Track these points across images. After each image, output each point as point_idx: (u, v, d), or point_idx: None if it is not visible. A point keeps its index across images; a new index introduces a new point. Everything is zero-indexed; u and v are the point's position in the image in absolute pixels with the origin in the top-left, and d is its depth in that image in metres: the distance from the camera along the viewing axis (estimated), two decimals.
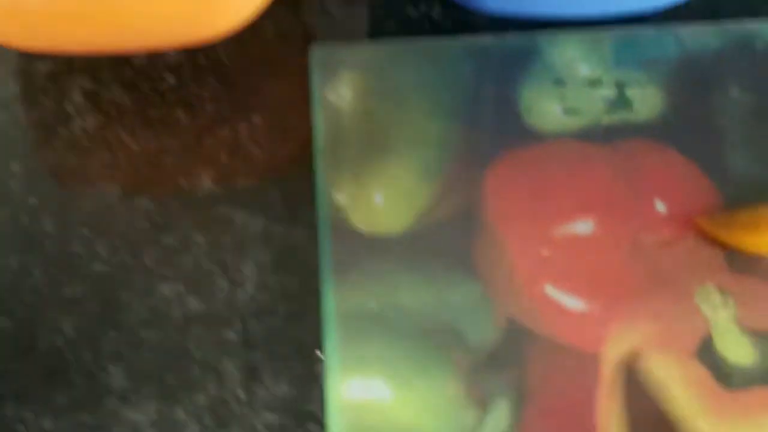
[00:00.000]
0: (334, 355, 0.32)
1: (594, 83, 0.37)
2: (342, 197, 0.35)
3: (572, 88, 0.37)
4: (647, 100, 0.37)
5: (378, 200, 0.35)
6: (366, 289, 0.34)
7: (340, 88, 0.37)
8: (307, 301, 0.34)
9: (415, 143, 0.36)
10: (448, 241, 0.35)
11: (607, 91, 0.37)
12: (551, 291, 0.34)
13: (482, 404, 0.32)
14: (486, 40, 0.38)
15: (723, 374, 0.32)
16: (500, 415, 0.32)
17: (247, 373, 0.33)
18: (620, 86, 0.37)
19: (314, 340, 0.34)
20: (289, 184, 0.36)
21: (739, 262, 0.34)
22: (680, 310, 0.33)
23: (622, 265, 0.34)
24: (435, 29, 0.40)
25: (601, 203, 0.35)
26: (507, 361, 0.33)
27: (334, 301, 0.33)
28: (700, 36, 0.38)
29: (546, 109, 0.37)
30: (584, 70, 0.38)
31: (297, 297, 0.34)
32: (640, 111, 0.37)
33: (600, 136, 0.36)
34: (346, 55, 0.38)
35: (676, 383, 0.32)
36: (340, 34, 0.40)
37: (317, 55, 0.38)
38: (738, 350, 0.32)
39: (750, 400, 0.32)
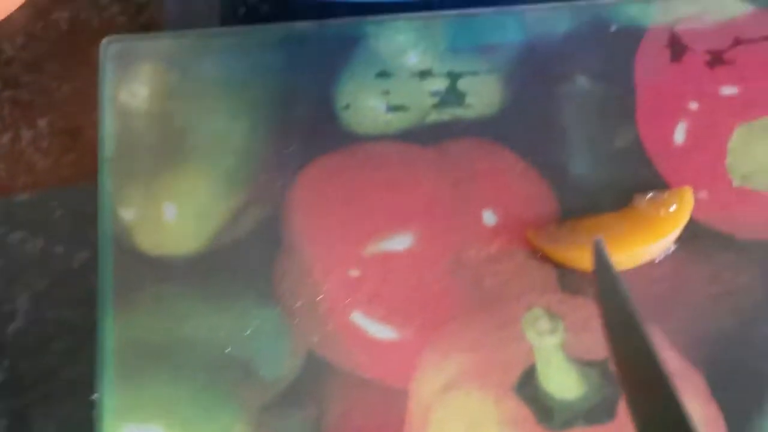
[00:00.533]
0: (109, 396, 0.29)
1: (423, 74, 0.33)
2: (129, 213, 0.31)
3: (398, 81, 0.33)
4: (483, 93, 0.33)
5: (170, 215, 0.32)
6: (150, 319, 0.30)
7: (134, 86, 0.33)
8: (87, 335, 0.31)
9: (217, 149, 0.32)
10: (247, 261, 0.31)
11: (438, 84, 0.33)
12: (358, 318, 0.30)
13: None
14: (303, 27, 0.34)
15: (544, 411, 0.28)
16: None
17: (13, 419, 0.29)
18: (453, 77, 0.33)
19: (91, 379, 0.30)
20: (74, 198, 0.33)
21: (572, 281, 0.30)
22: (503, 338, 0.30)
23: (440, 286, 0.30)
24: (252, 16, 0.36)
25: (422, 215, 0.31)
26: (303, 399, 0.29)
27: (112, 335, 0.30)
28: (547, 17, 0.34)
29: (367, 105, 0.33)
30: (412, 59, 0.34)
31: (75, 330, 0.31)
32: (475, 106, 0.33)
33: (426, 136, 0.32)
34: (143, 48, 0.34)
35: (492, 422, 0.28)
36: (142, 24, 0.36)
37: (110, 48, 0.33)
38: (563, 382, 0.29)
39: None
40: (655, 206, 0.31)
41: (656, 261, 0.31)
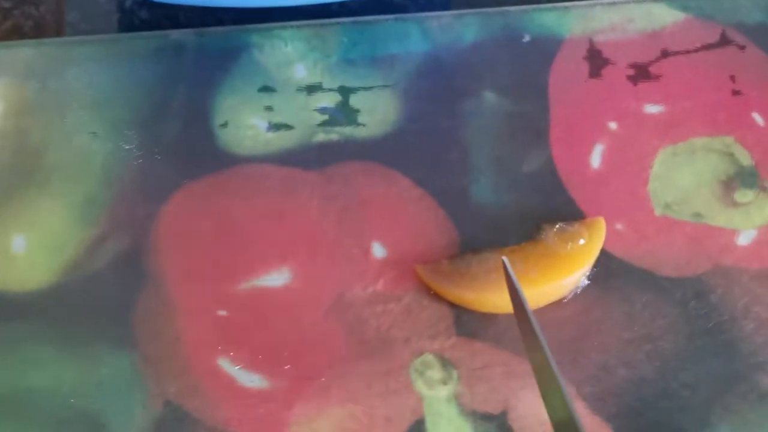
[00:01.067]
0: None
1: (311, 89, 0.30)
2: None
3: (283, 96, 0.30)
4: (377, 111, 0.30)
5: (18, 246, 0.28)
6: None
7: None
8: None
9: (76, 172, 0.29)
10: (103, 299, 0.28)
11: (327, 100, 0.30)
12: (225, 364, 0.27)
13: None
14: (179, 35, 0.31)
15: None
16: None
17: None
18: (345, 92, 0.30)
19: None
20: None
21: (470, 322, 0.27)
22: (388, 388, 0.27)
23: (319, 329, 0.27)
24: (128, 24, 0.33)
25: (303, 248, 0.28)
26: None
27: None
28: (452, 26, 0.31)
29: (247, 123, 0.30)
30: (300, 72, 0.31)
31: None
32: (367, 125, 0.30)
33: (311, 158, 0.29)
34: (1, 59, 0.31)
35: None
36: (5, 31, 0.32)
37: None
38: None
39: None
40: (562, 239, 0.28)
41: (564, 300, 0.28)
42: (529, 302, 0.27)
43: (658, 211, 0.29)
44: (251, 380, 0.27)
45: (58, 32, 0.32)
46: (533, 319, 0.24)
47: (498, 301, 0.27)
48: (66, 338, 0.27)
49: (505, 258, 0.26)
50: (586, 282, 0.28)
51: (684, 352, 0.27)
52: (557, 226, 0.28)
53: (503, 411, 0.26)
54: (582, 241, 0.28)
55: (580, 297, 0.28)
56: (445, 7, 0.33)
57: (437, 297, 0.28)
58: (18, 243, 0.28)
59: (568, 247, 0.28)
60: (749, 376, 0.27)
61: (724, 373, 0.27)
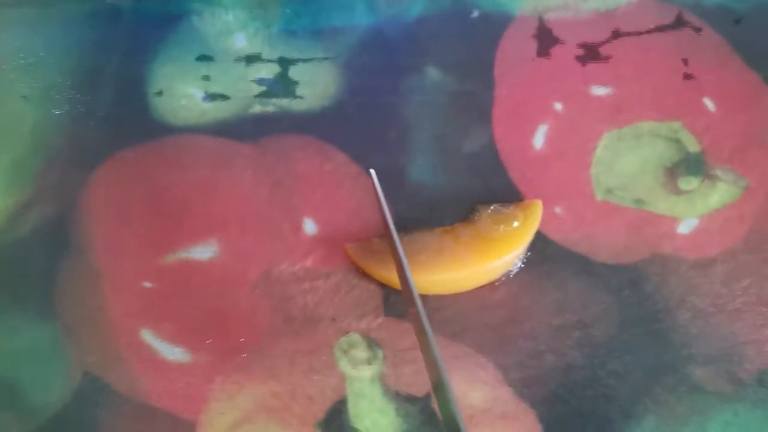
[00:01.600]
0: None
1: (250, 59, 0.30)
2: None
3: (221, 66, 0.30)
4: (317, 84, 0.30)
5: None
6: None
7: None
8: None
9: (3, 137, 0.29)
10: (25, 267, 0.28)
11: (266, 71, 0.30)
12: (147, 336, 0.27)
13: None
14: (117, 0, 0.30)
15: None
16: None
17: None
18: (284, 64, 0.30)
19: None
20: None
21: (400, 303, 0.27)
22: (311, 366, 0.26)
23: (244, 304, 0.27)
24: None
25: (233, 221, 0.28)
26: (75, 428, 0.26)
27: None
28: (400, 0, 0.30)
29: (183, 92, 0.29)
30: (240, 42, 0.30)
31: None
32: (306, 97, 0.29)
33: (246, 130, 0.29)
34: None
35: None
36: None
37: None
38: (378, 420, 0.26)
39: None
40: (496, 221, 0.27)
41: (496, 283, 0.27)
42: (459, 284, 0.27)
43: (599, 196, 0.29)
44: (173, 353, 0.27)
45: None
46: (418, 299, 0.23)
47: (425, 283, 0.27)
48: None
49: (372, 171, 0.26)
50: (520, 265, 0.28)
51: (615, 340, 0.27)
52: (492, 207, 0.28)
53: (427, 393, 0.26)
54: (516, 224, 0.27)
55: (512, 281, 0.27)
56: None
57: (366, 276, 0.27)
58: None
59: (501, 229, 0.27)
60: (680, 368, 0.26)
61: (655, 364, 0.26)
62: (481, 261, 0.27)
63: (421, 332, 0.23)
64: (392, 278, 0.27)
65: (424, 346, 0.23)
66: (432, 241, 0.27)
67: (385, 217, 0.25)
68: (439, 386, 0.22)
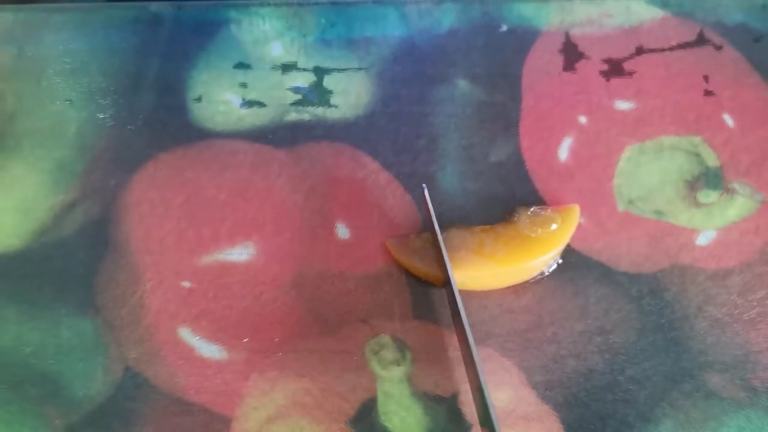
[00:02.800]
0: None
1: (286, 68, 0.31)
2: None
3: (258, 74, 0.31)
4: (350, 93, 0.31)
5: None
6: None
7: None
8: None
9: (49, 138, 0.30)
10: (69, 264, 0.29)
11: (302, 79, 0.31)
12: (186, 334, 0.28)
13: None
14: (158, 7, 0.32)
15: None
16: None
17: None
18: (319, 73, 0.31)
19: None
20: None
21: (427, 306, 0.28)
22: (343, 365, 0.28)
23: (279, 305, 0.28)
24: None
25: (268, 224, 0.29)
26: (116, 421, 0.27)
27: None
28: (431, 11, 0.32)
29: (220, 99, 0.31)
30: (276, 50, 0.31)
31: None
32: (340, 106, 0.31)
33: (282, 136, 0.30)
34: None
35: None
36: None
37: None
38: (405, 418, 0.27)
39: None
40: (534, 222, 0.29)
41: (520, 291, 0.29)
42: (496, 281, 0.28)
43: (621, 207, 0.30)
44: (210, 351, 0.28)
45: None
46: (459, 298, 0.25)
47: (464, 278, 0.28)
48: (29, 301, 0.29)
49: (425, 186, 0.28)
50: (555, 266, 0.29)
51: (634, 347, 0.28)
52: (531, 209, 0.29)
53: (453, 394, 0.28)
54: (554, 227, 0.29)
55: (536, 287, 0.29)
56: None
57: (397, 279, 0.29)
58: None
59: (539, 231, 0.28)
60: (697, 375, 0.28)
61: (672, 370, 0.28)
62: (519, 259, 0.28)
63: (458, 325, 0.25)
64: (428, 273, 0.29)
65: (462, 341, 0.25)
66: (471, 238, 0.29)
67: (434, 227, 0.26)
68: (473, 374, 0.24)
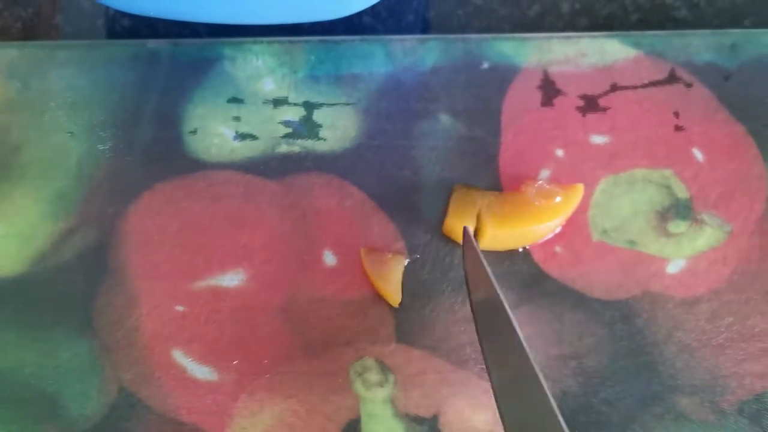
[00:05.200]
0: None
1: (277, 102, 0.33)
2: None
3: (250, 108, 0.33)
4: (338, 126, 0.33)
5: None
6: None
7: None
8: None
9: (51, 168, 0.32)
10: (68, 288, 0.31)
11: (292, 113, 0.33)
12: (179, 356, 0.30)
13: None
14: (155, 44, 0.34)
15: None
16: None
17: None
18: (309, 107, 0.33)
19: None
20: None
21: (409, 331, 0.30)
22: (328, 387, 0.29)
23: (268, 328, 0.30)
24: (111, 30, 0.36)
25: (259, 251, 0.31)
26: None
27: None
28: (415, 49, 0.34)
29: (215, 131, 0.33)
30: (268, 85, 0.34)
31: None
32: (328, 139, 0.33)
33: (273, 168, 0.32)
34: None
35: None
36: None
37: None
38: None
39: None
40: (540, 194, 0.31)
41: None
42: (498, 244, 0.31)
43: (595, 237, 0.32)
44: (202, 372, 0.30)
45: (45, 34, 0.35)
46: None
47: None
48: (29, 324, 0.30)
49: (467, 227, 0.29)
50: (554, 233, 0.32)
51: (607, 370, 0.30)
52: (538, 182, 0.31)
53: (434, 415, 0.29)
54: (558, 199, 0.31)
55: (513, 312, 0.31)
56: (416, 28, 0.36)
57: (381, 305, 0.31)
58: None
59: (544, 201, 0.31)
60: (667, 398, 0.30)
61: (644, 393, 0.30)
62: (521, 223, 0.31)
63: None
64: (385, 291, 0.31)
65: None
66: (481, 199, 0.31)
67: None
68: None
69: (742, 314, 0.31)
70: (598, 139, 0.33)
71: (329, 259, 0.31)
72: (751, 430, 0.29)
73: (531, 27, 0.37)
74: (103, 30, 0.35)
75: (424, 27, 0.36)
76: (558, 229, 0.32)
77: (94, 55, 0.34)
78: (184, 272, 0.31)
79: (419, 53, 0.34)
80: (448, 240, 0.32)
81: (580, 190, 0.31)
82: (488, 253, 0.31)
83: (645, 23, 0.37)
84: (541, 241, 0.31)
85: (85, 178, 0.32)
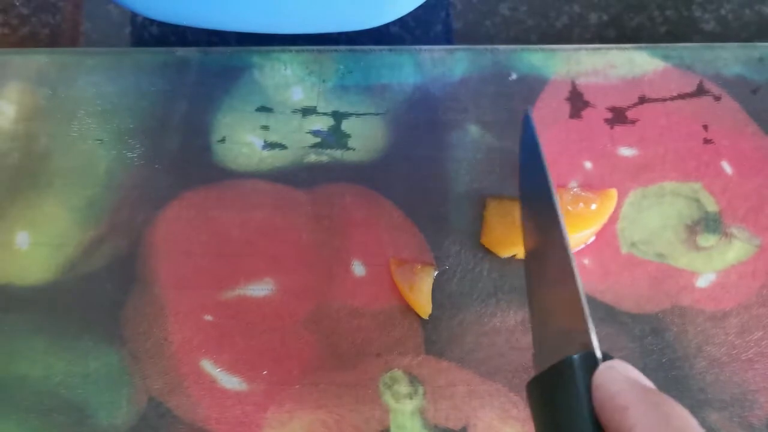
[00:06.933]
0: None
1: (306, 112, 0.34)
2: None
3: (279, 117, 0.34)
4: (367, 136, 0.33)
5: (22, 242, 0.32)
6: None
7: (1, 104, 0.33)
8: None
9: (80, 177, 0.33)
10: (97, 297, 0.31)
11: (321, 123, 0.33)
12: (207, 366, 0.30)
13: None
14: (185, 52, 0.34)
15: None
16: None
17: None
18: (338, 117, 0.33)
19: None
20: None
21: (438, 343, 0.30)
22: (358, 398, 0.30)
23: (296, 338, 0.30)
24: (139, 38, 0.36)
25: (287, 261, 0.31)
26: None
27: None
28: (444, 59, 0.34)
29: (243, 140, 0.33)
30: (297, 95, 0.34)
31: None
32: (357, 149, 0.33)
33: (301, 177, 0.33)
34: (13, 64, 0.34)
35: None
36: (23, 37, 0.36)
37: None
38: None
39: None
40: (576, 200, 0.31)
41: (527, 329, 0.31)
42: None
43: (624, 250, 0.32)
44: (231, 382, 0.30)
45: (72, 41, 0.36)
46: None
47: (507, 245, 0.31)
48: (58, 332, 0.31)
49: (528, 112, 0.30)
50: (585, 245, 0.32)
51: None
52: (574, 190, 0.32)
53: (463, 427, 0.30)
54: (594, 206, 0.31)
55: None
56: (443, 39, 0.36)
57: (410, 316, 0.31)
58: (22, 239, 0.32)
59: (581, 207, 0.31)
60: (697, 412, 0.30)
61: None
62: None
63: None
64: (415, 303, 0.31)
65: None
66: (516, 209, 0.31)
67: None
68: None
69: None
70: (626, 152, 0.33)
71: (358, 269, 0.31)
72: None
73: (558, 38, 0.37)
74: (130, 37, 0.36)
75: (452, 37, 0.36)
76: (591, 239, 0.32)
77: (123, 62, 0.34)
78: (213, 281, 0.31)
79: (448, 64, 0.34)
80: (477, 251, 0.32)
81: (613, 195, 0.32)
82: (515, 268, 0.31)
83: (673, 35, 0.37)
84: (574, 250, 0.32)
85: (114, 186, 0.33)
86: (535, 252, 0.27)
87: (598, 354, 0.22)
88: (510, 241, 0.31)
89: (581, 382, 0.22)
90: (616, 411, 0.20)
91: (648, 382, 0.22)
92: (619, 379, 0.21)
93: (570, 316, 0.24)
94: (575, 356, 0.22)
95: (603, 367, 0.22)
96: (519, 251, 0.31)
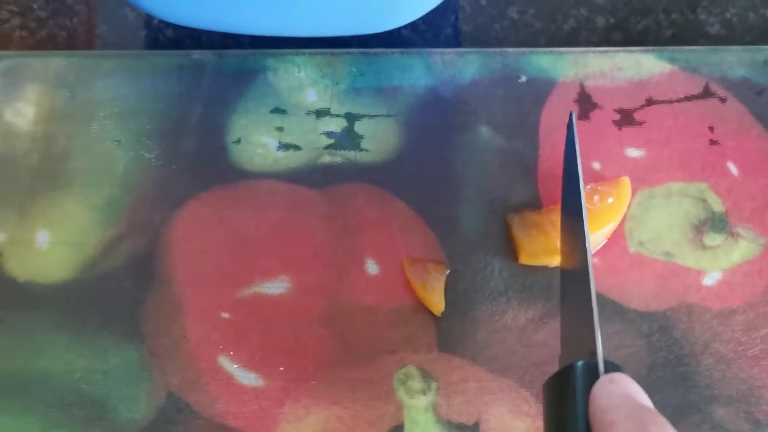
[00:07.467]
0: None
1: (320, 113, 0.34)
2: (0, 235, 0.32)
3: (293, 119, 0.34)
4: (380, 138, 0.34)
5: (42, 241, 0.32)
6: (6, 347, 0.31)
7: (20, 105, 0.34)
8: None
9: (99, 177, 0.34)
10: (116, 295, 0.32)
11: (335, 124, 0.34)
12: (225, 362, 0.31)
13: None
14: (200, 55, 0.35)
15: None
16: None
17: None
18: (351, 119, 0.34)
19: None
20: None
21: (451, 340, 0.31)
22: (372, 394, 0.30)
23: (312, 335, 0.31)
24: (154, 41, 0.37)
25: (302, 259, 0.32)
26: None
27: None
28: (455, 62, 0.35)
29: (258, 141, 0.34)
30: (311, 97, 0.35)
31: None
32: (370, 150, 0.34)
33: (316, 178, 0.33)
34: (32, 66, 0.35)
35: None
36: (40, 39, 0.36)
37: None
38: None
39: None
40: (591, 195, 0.32)
41: (538, 327, 0.31)
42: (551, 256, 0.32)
43: (632, 248, 0.33)
44: (248, 378, 0.31)
45: (89, 44, 0.36)
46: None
47: (535, 255, 0.32)
48: (79, 329, 0.31)
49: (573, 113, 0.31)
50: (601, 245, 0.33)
51: (645, 381, 0.31)
52: (589, 186, 0.32)
53: (476, 423, 0.30)
54: (610, 200, 0.32)
55: (553, 323, 0.31)
56: (453, 42, 0.37)
57: (423, 313, 0.32)
58: (42, 238, 0.33)
59: (596, 199, 0.32)
60: (704, 408, 0.30)
61: (681, 404, 0.30)
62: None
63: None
64: (429, 300, 0.31)
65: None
66: (539, 217, 0.32)
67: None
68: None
69: None
70: (633, 153, 0.34)
71: (372, 268, 0.32)
72: None
73: (566, 41, 0.38)
74: (145, 40, 0.37)
75: (461, 41, 0.37)
76: (607, 239, 0.32)
77: (140, 65, 0.35)
78: (229, 280, 0.32)
79: (458, 66, 0.35)
80: (488, 250, 0.33)
81: (626, 183, 0.33)
82: (525, 267, 0.32)
83: (678, 39, 0.38)
84: (594, 250, 0.32)
85: (132, 186, 0.33)
86: (565, 255, 0.29)
87: (601, 366, 0.23)
88: (546, 251, 0.32)
89: (581, 391, 0.23)
90: (604, 425, 0.21)
91: (646, 399, 0.22)
92: (615, 394, 0.22)
93: (582, 322, 0.25)
94: (579, 364, 0.23)
95: (603, 380, 0.22)
96: (557, 259, 0.32)
